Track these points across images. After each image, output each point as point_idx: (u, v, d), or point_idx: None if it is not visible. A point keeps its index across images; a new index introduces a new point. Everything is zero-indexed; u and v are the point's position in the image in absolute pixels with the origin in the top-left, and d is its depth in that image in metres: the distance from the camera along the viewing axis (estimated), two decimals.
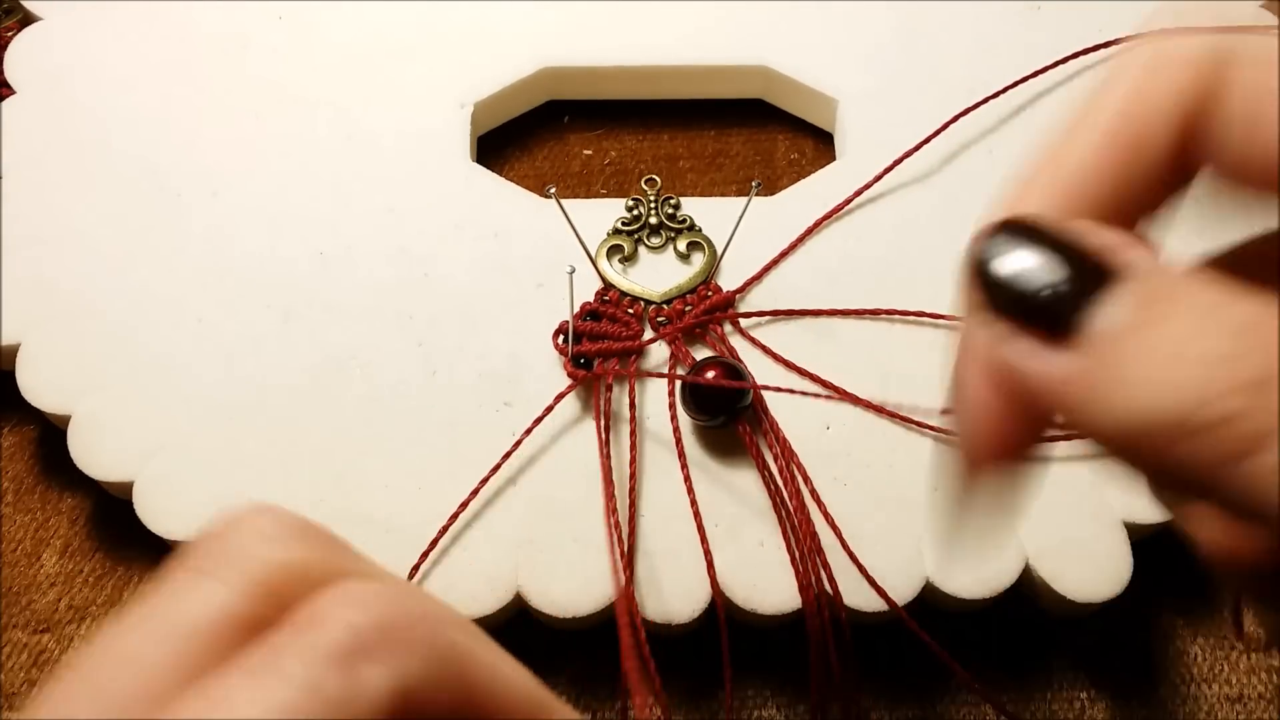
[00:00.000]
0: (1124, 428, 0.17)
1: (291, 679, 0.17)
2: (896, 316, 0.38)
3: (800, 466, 0.36)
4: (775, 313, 0.38)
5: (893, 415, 0.37)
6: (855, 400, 0.37)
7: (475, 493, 0.35)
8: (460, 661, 0.19)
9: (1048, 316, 0.18)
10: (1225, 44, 0.21)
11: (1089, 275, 0.18)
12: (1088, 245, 0.18)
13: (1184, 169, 0.21)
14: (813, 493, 0.35)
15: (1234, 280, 0.18)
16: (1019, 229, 0.19)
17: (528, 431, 0.36)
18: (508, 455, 0.36)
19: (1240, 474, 0.16)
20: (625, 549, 0.35)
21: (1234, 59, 0.21)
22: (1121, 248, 0.18)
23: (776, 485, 0.35)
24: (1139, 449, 0.17)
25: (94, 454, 0.36)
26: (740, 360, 0.37)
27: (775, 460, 0.36)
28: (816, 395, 0.37)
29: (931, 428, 0.37)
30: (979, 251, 0.19)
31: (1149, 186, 0.21)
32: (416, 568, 0.34)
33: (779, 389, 0.36)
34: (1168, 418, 0.16)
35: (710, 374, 0.35)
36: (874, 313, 0.38)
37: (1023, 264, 0.18)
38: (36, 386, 0.37)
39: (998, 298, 0.18)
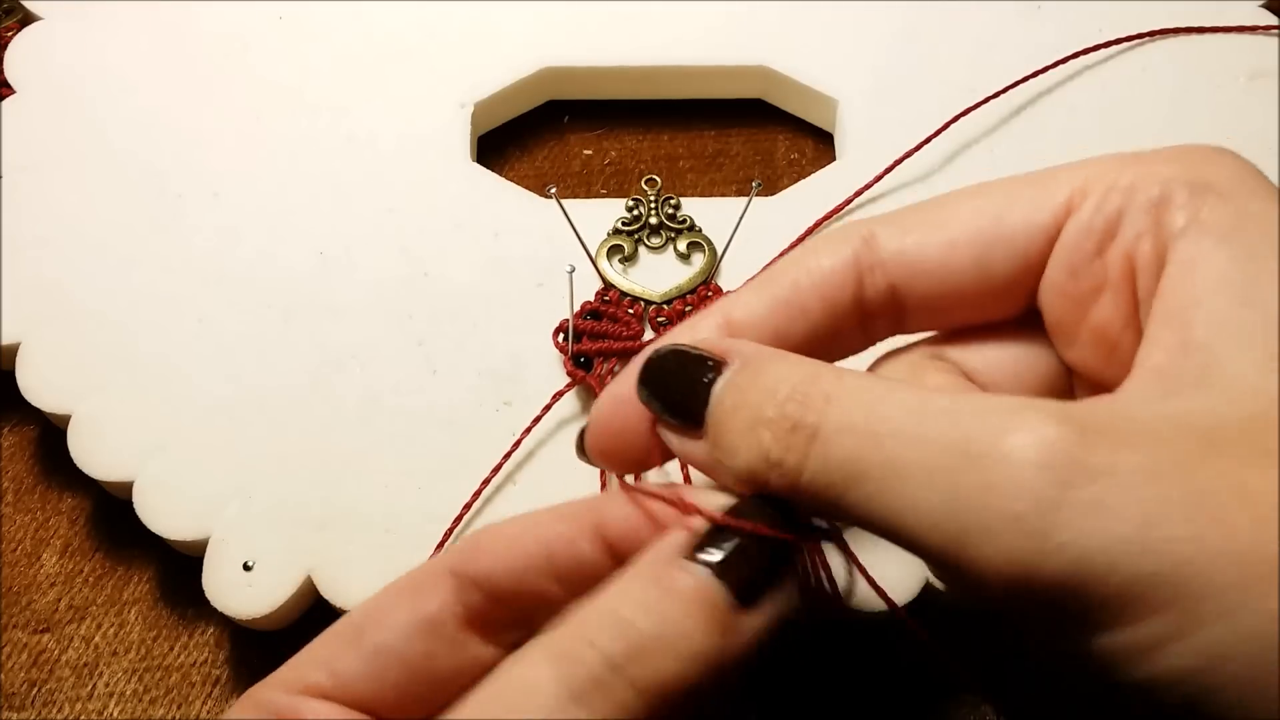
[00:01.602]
0: (741, 482, 0.23)
1: None
2: None
3: None
4: None
5: None
6: None
7: (478, 493, 0.35)
8: None
9: (682, 412, 0.24)
10: (866, 229, 0.26)
11: (705, 368, 0.24)
12: (704, 347, 0.24)
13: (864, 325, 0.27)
14: None
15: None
16: (667, 349, 0.25)
17: (527, 430, 0.36)
18: (508, 455, 0.36)
19: (803, 498, 0.22)
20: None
21: (874, 239, 0.26)
22: (722, 343, 0.24)
23: None
24: (757, 489, 0.23)
25: (94, 454, 0.36)
26: None
27: None
28: None
29: None
30: (644, 363, 0.25)
31: (832, 321, 0.26)
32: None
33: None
34: (753, 475, 0.23)
35: None
36: None
37: (664, 368, 0.25)
38: (36, 386, 0.37)
39: (653, 395, 0.25)
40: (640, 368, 0.25)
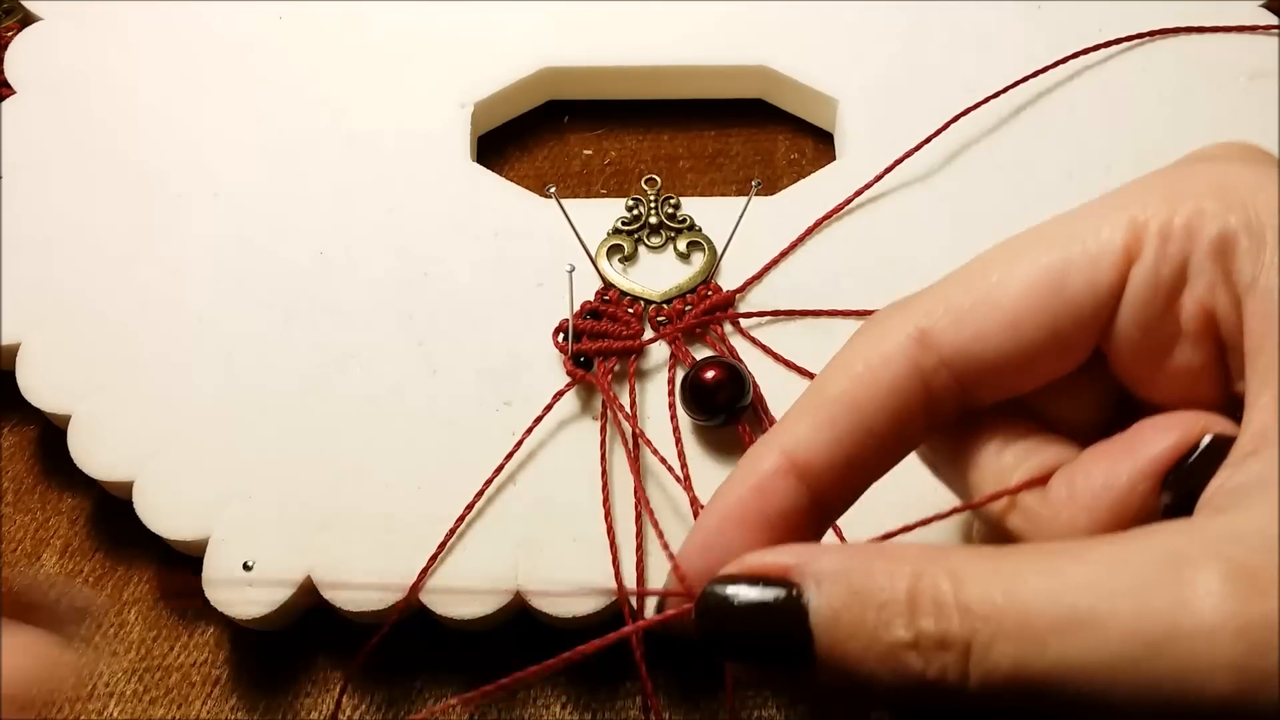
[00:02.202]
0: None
1: None
2: None
3: None
4: (775, 313, 0.38)
5: None
6: None
7: (480, 494, 0.35)
8: None
9: (781, 660, 0.22)
10: (921, 312, 0.25)
11: (784, 606, 0.22)
12: (759, 570, 0.22)
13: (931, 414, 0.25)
14: None
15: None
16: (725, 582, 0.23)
17: (528, 431, 0.36)
18: (510, 455, 0.36)
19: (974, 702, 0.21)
20: (635, 548, 0.35)
21: (932, 327, 0.25)
22: (779, 560, 0.22)
23: None
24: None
25: (94, 454, 0.36)
26: (740, 360, 0.37)
27: None
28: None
29: None
30: (704, 621, 0.23)
31: (898, 420, 0.25)
32: (425, 570, 0.34)
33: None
34: (906, 692, 0.21)
35: (710, 374, 0.35)
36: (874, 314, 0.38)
37: (732, 620, 0.22)
38: (36, 386, 0.37)
39: (735, 654, 0.22)
40: (699, 620, 0.23)
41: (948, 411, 0.25)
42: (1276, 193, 0.23)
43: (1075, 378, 0.25)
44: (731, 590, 0.22)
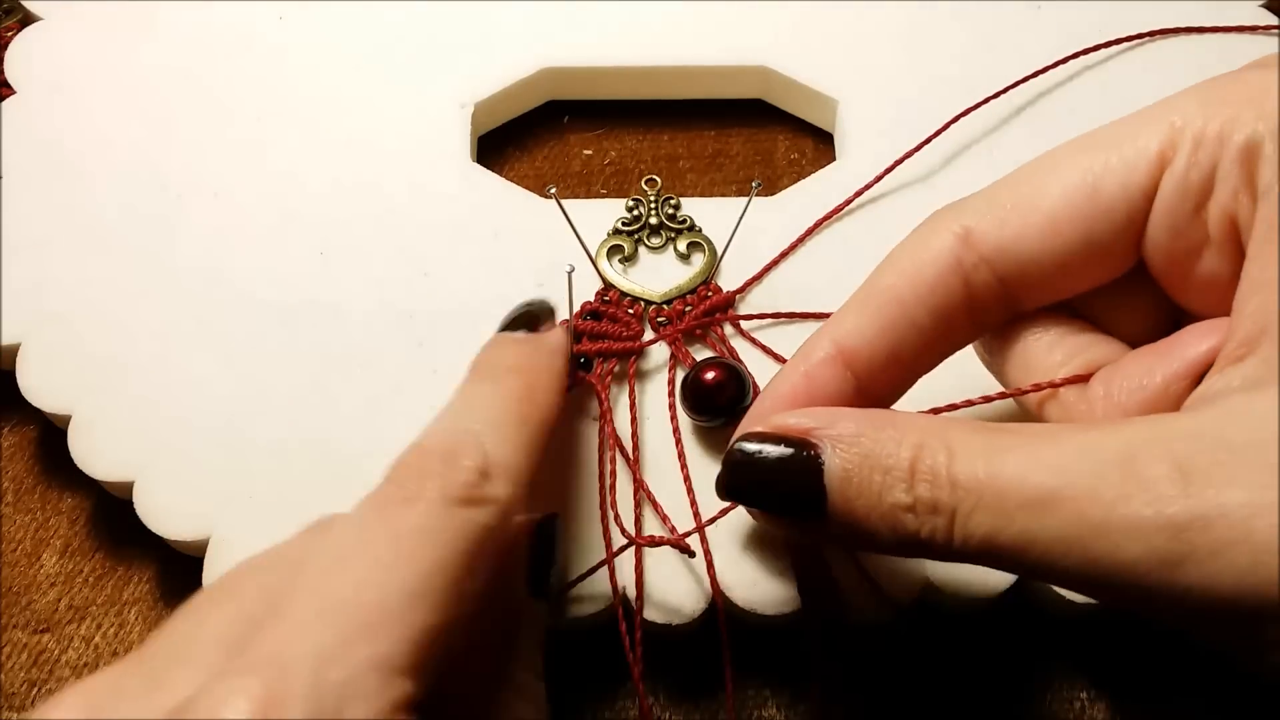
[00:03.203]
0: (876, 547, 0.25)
1: None
2: None
3: None
4: (776, 315, 0.38)
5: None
6: None
7: None
8: None
9: (794, 509, 0.25)
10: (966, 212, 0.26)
11: (801, 459, 0.24)
12: (782, 430, 0.25)
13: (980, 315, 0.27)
14: None
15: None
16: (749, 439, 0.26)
17: None
18: None
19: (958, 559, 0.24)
20: (635, 548, 0.35)
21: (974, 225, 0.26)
22: (802, 422, 0.25)
23: None
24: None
25: (94, 454, 0.36)
26: (740, 360, 0.37)
27: None
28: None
29: None
30: (729, 468, 0.26)
31: (945, 319, 0.26)
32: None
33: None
34: (903, 547, 0.24)
35: (710, 375, 0.35)
36: None
37: (753, 470, 0.25)
38: (36, 386, 0.37)
39: (754, 500, 0.26)
40: (726, 473, 0.26)
41: (993, 311, 0.26)
42: None
43: (1125, 285, 0.26)
44: (756, 447, 0.25)
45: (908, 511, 0.23)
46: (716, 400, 0.35)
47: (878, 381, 0.27)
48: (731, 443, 0.26)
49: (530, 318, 0.31)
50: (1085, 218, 0.24)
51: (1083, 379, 0.26)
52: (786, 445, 0.24)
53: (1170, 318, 0.26)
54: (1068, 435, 0.22)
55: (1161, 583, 0.20)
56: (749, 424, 0.27)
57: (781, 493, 0.25)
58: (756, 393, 0.37)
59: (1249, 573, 0.20)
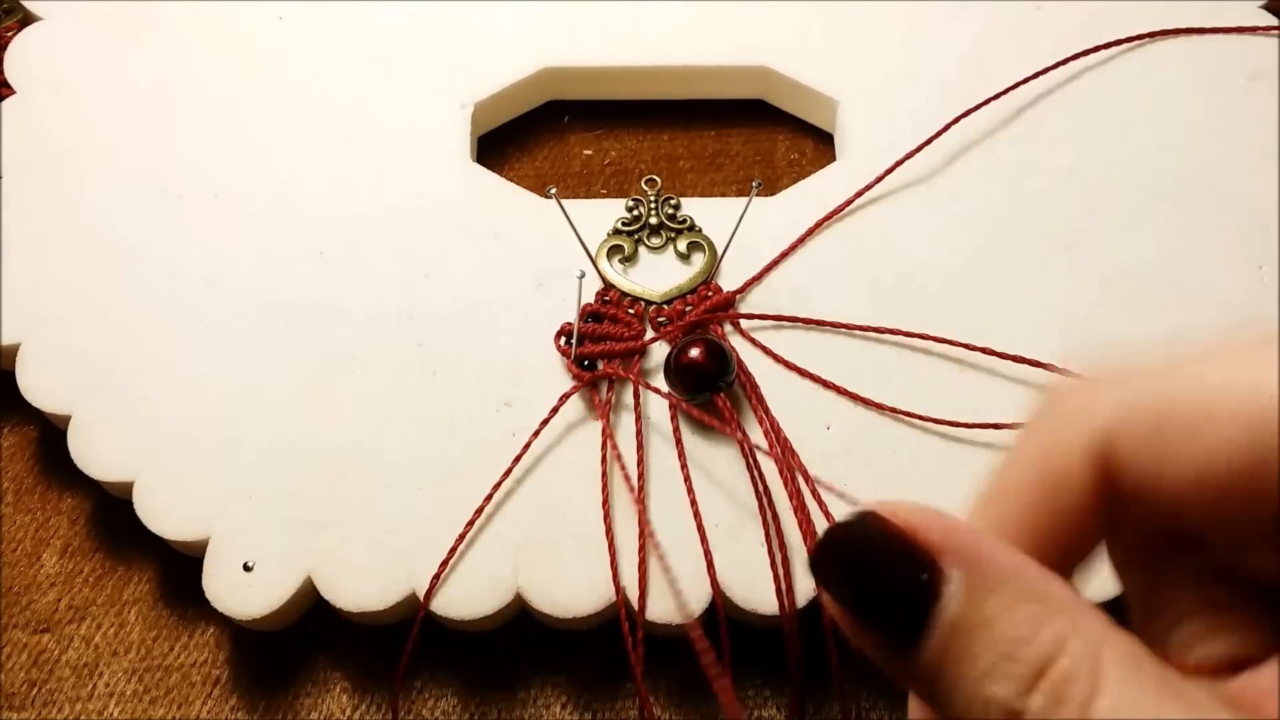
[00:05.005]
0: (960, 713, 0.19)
1: None
2: (900, 335, 0.38)
3: (801, 466, 0.36)
4: (777, 318, 0.38)
5: (893, 413, 0.37)
6: (855, 397, 0.37)
7: (489, 498, 0.35)
8: None
9: (885, 622, 0.19)
10: (1123, 396, 0.21)
11: (917, 568, 0.19)
12: (919, 535, 0.19)
13: (1111, 509, 0.21)
14: (813, 492, 0.35)
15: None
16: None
17: (535, 433, 0.36)
18: (518, 458, 0.36)
19: None
20: (638, 548, 0.35)
21: (1129, 414, 0.20)
22: (945, 537, 0.19)
23: (765, 486, 0.35)
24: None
25: (94, 454, 0.36)
26: (740, 360, 0.37)
27: (775, 460, 0.36)
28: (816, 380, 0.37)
29: (934, 421, 0.36)
30: (834, 534, 0.20)
31: (1076, 528, 0.21)
32: (437, 577, 0.34)
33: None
34: (993, 711, 0.18)
35: (694, 351, 0.36)
36: (878, 331, 0.38)
37: (860, 550, 0.19)
38: (36, 386, 0.37)
39: (842, 582, 0.20)
40: (828, 538, 0.20)
41: (1134, 524, 0.21)
42: None
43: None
44: (878, 530, 0.19)
45: (1005, 713, 0.18)
46: (698, 374, 0.36)
47: None
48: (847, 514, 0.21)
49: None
50: (1248, 482, 0.19)
51: (1228, 672, 0.20)
52: (910, 548, 0.19)
53: None
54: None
55: None
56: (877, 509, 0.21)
57: (878, 590, 0.19)
58: (757, 392, 0.37)
59: None
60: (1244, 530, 0.20)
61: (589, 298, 0.39)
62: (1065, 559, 0.21)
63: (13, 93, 0.42)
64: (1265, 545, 0.20)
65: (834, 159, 0.43)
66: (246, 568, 0.35)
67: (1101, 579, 0.23)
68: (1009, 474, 0.22)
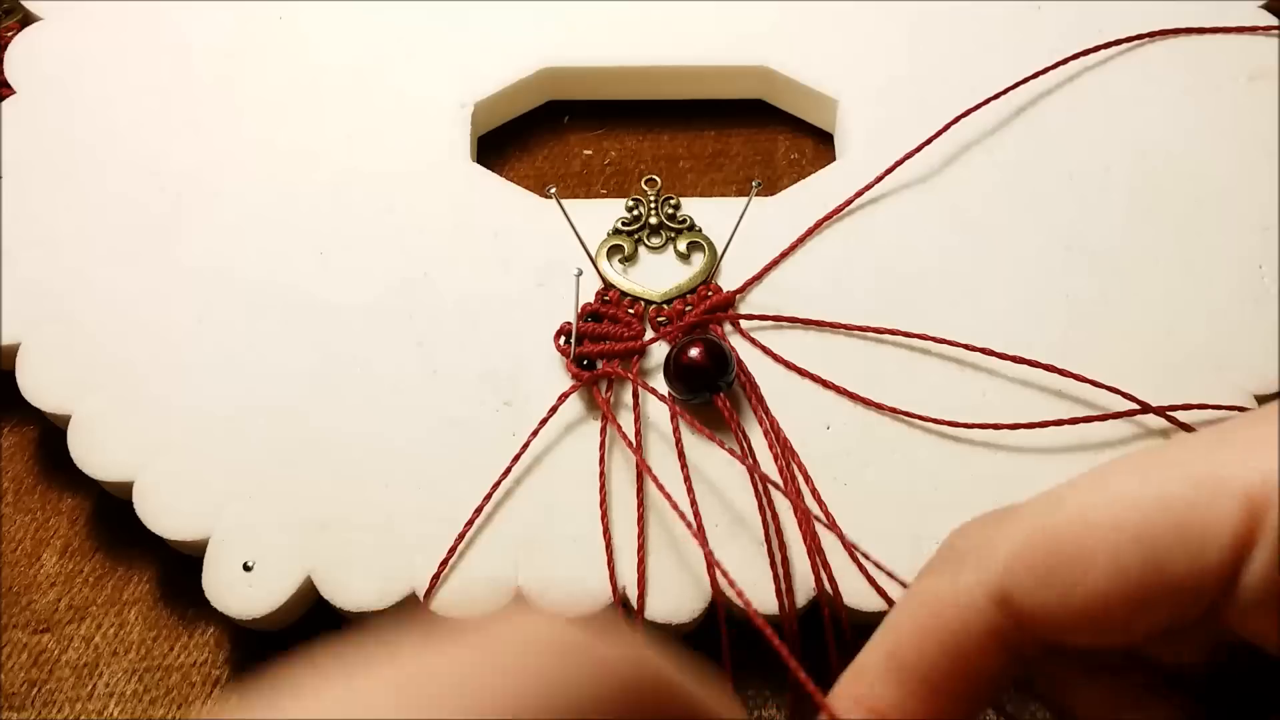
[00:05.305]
0: None
1: None
2: (900, 335, 0.38)
3: (801, 466, 0.36)
4: (777, 319, 0.38)
5: (893, 413, 0.37)
6: (855, 398, 0.37)
7: (489, 497, 0.35)
8: None
9: None
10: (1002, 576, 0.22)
11: None
12: None
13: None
14: (813, 492, 0.35)
15: None
16: None
17: (534, 433, 0.36)
18: (517, 457, 0.36)
19: None
20: (637, 548, 0.35)
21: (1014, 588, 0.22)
22: None
23: (764, 488, 0.35)
24: None
25: (94, 454, 0.36)
26: (739, 360, 0.37)
27: (775, 460, 0.36)
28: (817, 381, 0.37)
29: (934, 421, 0.36)
30: None
31: (984, 673, 0.22)
32: (437, 576, 0.34)
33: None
34: None
35: (694, 351, 0.36)
36: (878, 331, 0.38)
37: None
38: (36, 386, 0.37)
39: None
40: None
41: (1031, 657, 0.22)
42: None
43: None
44: None
45: None
46: (698, 375, 0.36)
47: None
48: None
49: None
50: (1144, 597, 0.20)
51: None
52: None
53: (1221, 643, 0.23)
54: None
55: None
56: None
57: None
58: (757, 392, 0.37)
59: None
60: (1146, 640, 0.21)
61: (589, 298, 0.39)
62: (974, 703, 0.22)
63: (13, 93, 0.42)
64: (1176, 646, 0.22)
65: (834, 159, 0.43)
66: (246, 568, 0.35)
67: None
68: (908, 626, 0.23)
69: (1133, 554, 0.20)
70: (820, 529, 0.35)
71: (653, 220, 0.40)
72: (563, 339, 0.38)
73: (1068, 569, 0.21)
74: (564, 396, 0.37)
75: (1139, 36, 0.43)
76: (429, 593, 0.34)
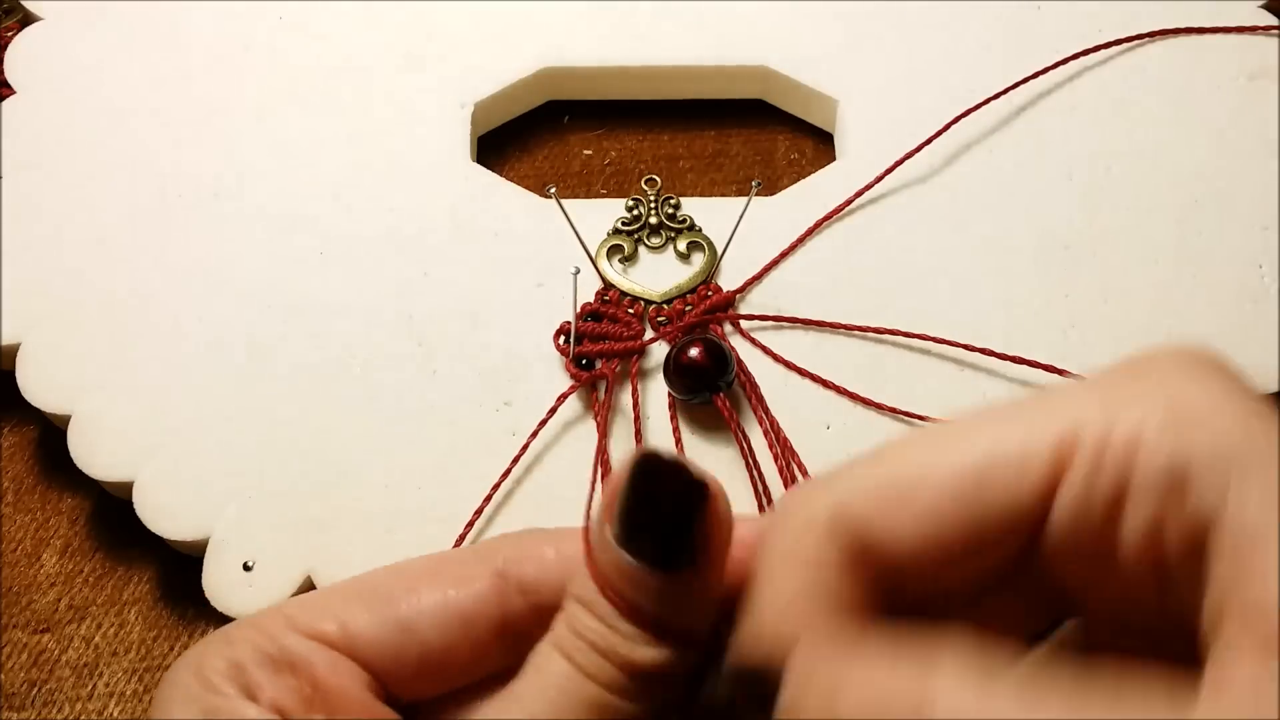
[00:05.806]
0: None
1: None
2: (900, 335, 0.38)
3: (801, 466, 0.36)
4: (777, 319, 0.38)
5: (893, 413, 0.37)
6: (855, 397, 0.37)
7: (489, 498, 0.35)
8: None
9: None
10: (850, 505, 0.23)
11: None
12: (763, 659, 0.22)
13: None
14: None
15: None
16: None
17: (534, 433, 0.36)
18: (517, 458, 0.36)
19: None
20: None
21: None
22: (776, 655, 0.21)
23: (765, 486, 0.35)
24: None
25: (94, 454, 0.36)
26: (739, 360, 0.37)
27: (775, 460, 0.36)
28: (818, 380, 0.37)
29: (934, 421, 0.36)
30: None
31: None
32: None
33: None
34: None
35: (694, 351, 0.36)
36: (877, 331, 0.38)
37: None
38: (36, 386, 0.37)
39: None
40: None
41: (873, 598, 0.23)
42: (1237, 413, 0.20)
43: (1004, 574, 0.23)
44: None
45: None
46: (698, 375, 0.36)
47: None
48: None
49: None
50: (970, 519, 0.22)
51: None
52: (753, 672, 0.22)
53: (1053, 606, 0.24)
54: None
55: None
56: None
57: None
58: (756, 392, 0.37)
59: None
60: (959, 573, 0.23)
61: (589, 297, 0.39)
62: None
63: (13, 93, 0.42)
64: (997, 588, 0.23)
65: (834, 159, 0.43)
66: (246, 568, 0.35)
67: None
68: (769, 577, 0.23)
69: (962, 463, 0.22)
70: None
71: (653, 220, 0.40)
72: (562, 339, 0.38)
73: (906, 480, 0.22)
74: (563, 397, 0.37)
75: (1138, 36, 0.43)
76: None
